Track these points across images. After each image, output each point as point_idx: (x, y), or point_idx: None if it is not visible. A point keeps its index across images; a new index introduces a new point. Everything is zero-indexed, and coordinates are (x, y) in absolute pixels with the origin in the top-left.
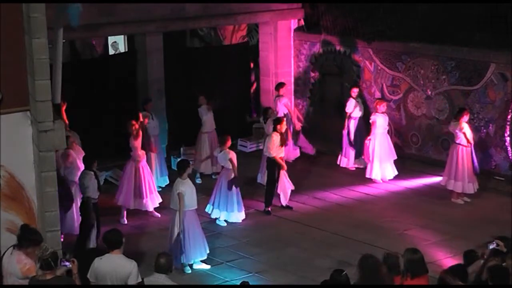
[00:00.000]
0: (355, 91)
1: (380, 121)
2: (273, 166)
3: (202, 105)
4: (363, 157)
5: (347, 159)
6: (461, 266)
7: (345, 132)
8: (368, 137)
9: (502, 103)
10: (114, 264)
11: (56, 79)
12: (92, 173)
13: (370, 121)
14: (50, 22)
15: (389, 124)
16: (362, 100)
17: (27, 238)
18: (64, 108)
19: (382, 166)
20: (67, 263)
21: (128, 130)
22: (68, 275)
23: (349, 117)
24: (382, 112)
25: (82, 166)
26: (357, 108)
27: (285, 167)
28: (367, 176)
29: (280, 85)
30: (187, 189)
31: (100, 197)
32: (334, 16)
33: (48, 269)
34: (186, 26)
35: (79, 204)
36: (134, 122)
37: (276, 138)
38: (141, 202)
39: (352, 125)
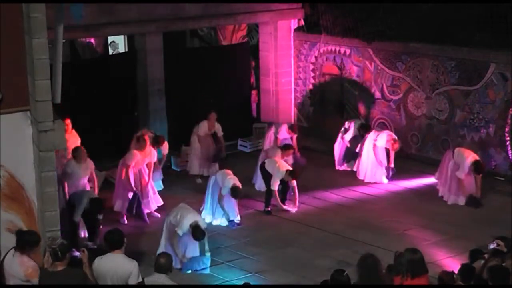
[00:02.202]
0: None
1: (382, 140)
2: (268, 176)
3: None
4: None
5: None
6: (468, 266)
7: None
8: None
9: (502, 103)
10: (115, 263)
11: (56, 79)
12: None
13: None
14: (50, 22)
15: (389, 125)
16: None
17: (27, 241)
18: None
19: (372, 169)
20: (77, 253)
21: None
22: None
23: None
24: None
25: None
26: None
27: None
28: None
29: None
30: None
31: (100, 197)
32: (334, 16)
33: (56, 259)
34: (186, 26)
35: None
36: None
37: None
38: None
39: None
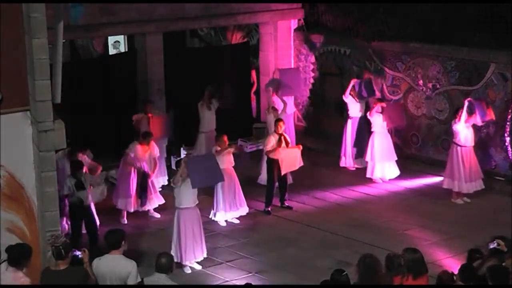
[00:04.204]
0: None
1: (379, 121)
2: (272, 166)
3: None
4: (365, 158)
5: (345, 158)
6: (468, 266)
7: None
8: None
9: (502, 103)
10: (113, 264)
11: (56, 79)
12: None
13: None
14: (50, 22)
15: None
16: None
17: (22, 254)
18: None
19: (382, 165)
20: (78, 253)
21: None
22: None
23: (348, 116)
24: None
25: None
26: (356, 108)
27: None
28: (368, 176)
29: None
30: (183, 186)
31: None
32: (334, 16)
33: (59, 258)
34: (186, 26)
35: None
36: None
37: (272, 138)
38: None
39: (350, 124)
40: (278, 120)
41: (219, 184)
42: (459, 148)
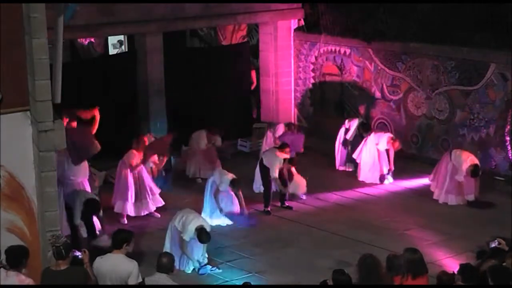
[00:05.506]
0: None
1: (382, 144)
2: (266, 168)
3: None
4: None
5: (338, 163)
6: (468, 265)
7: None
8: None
9: (502, 103)
10: (115, 264)
11: (56, 79)
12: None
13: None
14: (50, 22)
15: (389, 125)
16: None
17: (21, 256)
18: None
19: (370, 170)
20: (78, 253)
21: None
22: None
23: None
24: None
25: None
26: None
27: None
28: (360, 179)
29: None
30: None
31: (100, 197)
32: (334, 16)
33: (59, 258)
34: (186, 26)
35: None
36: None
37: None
38: (136, 205)
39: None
40: (285, 145)
41: (209, 192)
42: (450, 163)
